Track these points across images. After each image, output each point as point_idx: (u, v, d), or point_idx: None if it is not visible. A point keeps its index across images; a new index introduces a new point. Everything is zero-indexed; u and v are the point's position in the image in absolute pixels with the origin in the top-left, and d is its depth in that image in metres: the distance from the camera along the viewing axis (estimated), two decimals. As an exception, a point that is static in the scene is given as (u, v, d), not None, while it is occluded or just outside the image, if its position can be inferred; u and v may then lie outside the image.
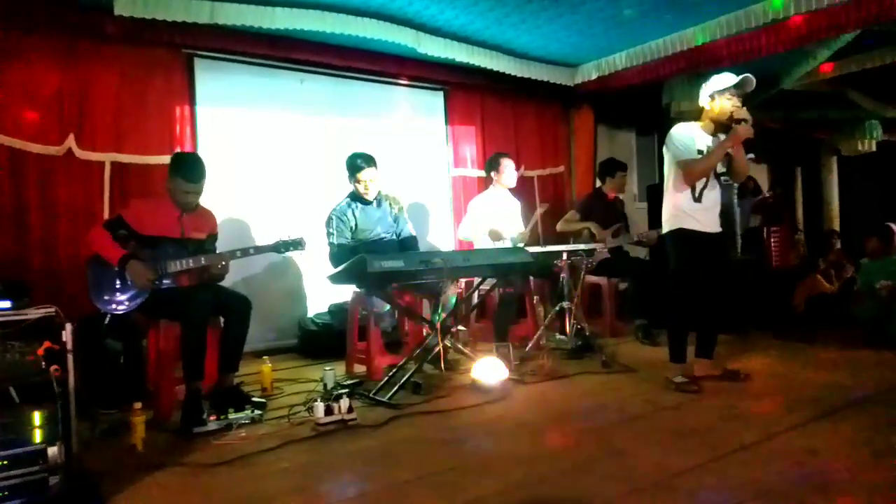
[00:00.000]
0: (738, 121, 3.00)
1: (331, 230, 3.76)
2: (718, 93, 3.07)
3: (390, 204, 3.98)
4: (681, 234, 3.11)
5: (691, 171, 3.05)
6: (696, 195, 3.09)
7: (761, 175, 8.65)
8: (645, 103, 6.27)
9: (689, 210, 3.09)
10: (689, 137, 3.10)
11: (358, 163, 3.77)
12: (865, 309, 4.33)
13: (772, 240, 5.16)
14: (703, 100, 3.15)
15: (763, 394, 2.96)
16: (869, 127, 7.68)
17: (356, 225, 3.79)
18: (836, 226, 8.33)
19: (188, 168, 3.06)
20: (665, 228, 3.20)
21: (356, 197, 3.85)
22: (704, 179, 3.09)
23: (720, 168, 3.15)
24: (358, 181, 3.78)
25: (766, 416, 2.59)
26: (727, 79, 3.06)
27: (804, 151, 8.73)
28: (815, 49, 5.18)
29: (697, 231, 3.09)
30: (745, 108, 3.03)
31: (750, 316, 4.61)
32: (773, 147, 8.27)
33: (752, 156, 3.10)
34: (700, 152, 3.07)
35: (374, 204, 3.88)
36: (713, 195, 3.14)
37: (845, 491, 1.86)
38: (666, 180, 3.19)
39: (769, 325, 4.61)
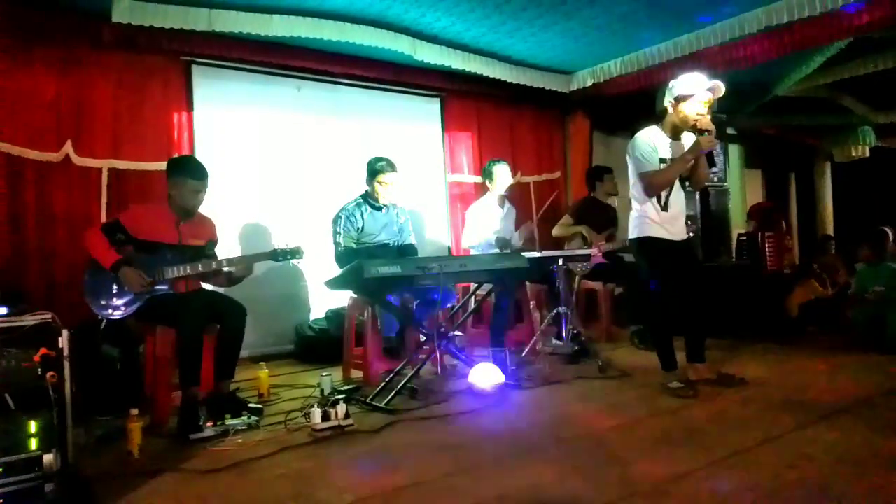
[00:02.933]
0: (701, 132, 2.93)
1: (338, 229, 3.78)
2: (682, 98, 2.99)
3: (398, 213, 4.00)
4: (647, 242, 3.10)
5: (652, 184, 3.03)
6: (663, 203, 3.08)
7: (755, 181, 8.71)
8: (640, 109, 6.31)
9: (657, 218, 3.08)
10: (652, 146, 3.05)
11: (383, 164, 3.82)
12: (860, 313, 4.36)
13: (766, 244, 5.18)
14: (666, 102, 3.07)
15: (758, 398, 2.96)
16: (862, 133, 7.75)
17: (362, 227, 3.81)
18: (831, 231, 8.37)
19: (193, 167, 3.11)
20: (631, 235, 3.19)
21: (367, 199, 3.87)
22: (668, 187, 3.07)
23: (683, 173, 3.12)
24: (380, 182, 3.80)
25: (761, 421, 2.60)
26: (693, 83, 2.98)
27: (798, 157, 8.79)
28: (809, 55, 5.23)
29: (664, 239, 3.08)
30: (708, 118, 2.97)
31: (744, 320, 4.62)
32: (768, 153, 8.33)
33: (715, 169, 3.08)
34: (663, 160, 3.04)
35: (384, 210, 3.90)
36: (679, 202, 3.12)
37: (842, 496, 1.87)
38: (632, 186, 3.18)
39: (764, 329, 4.62)
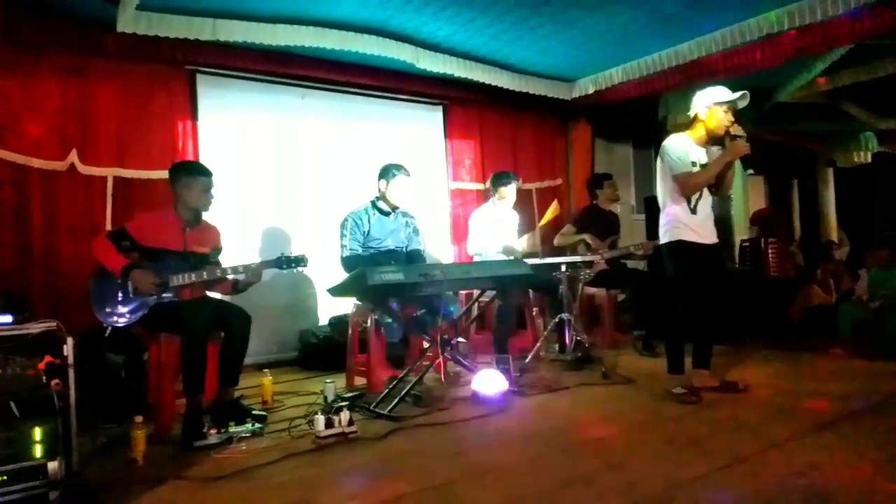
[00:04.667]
0: (734, 137, 3.06)
1: (344, 232, 3.80)
2: (717, 105, 3.11)
3: (407, 221, 4.01)
4: (679, 246, 3.13)
5: (688, 185, 3.09)
6: (692, 207, 3.13)
7: (758, 187, 8.72)
8: (642, 116, 6.33)
9: (688, 222, 3.13)
10: (684, 150, 3.13)
11: (399, 170, 3.85)
12: (846, 318, 4.34)
13: (769, 250, 5.18)
14: (700, 110, 3.16)
15: (761, 405, 2.96)
16: (864, 138, 7.75)
17: (369, 231, 3.82)
18: (834, 237, 8.36)
19: (199, 166, 3.21)
20: (663, 240, 3.22)
21: (376, 205, 3.89)
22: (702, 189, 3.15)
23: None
24: (395, 185, 3.82)
25: (765, 428, 2.59)
26: (725, 93, 3.10)
27: (800, 163, 8.79)
28: (810, 62, 5.25)
29: (695, 242, 3.12)
30: (737, 125, 3.09)
31: (747, 326, 4.61)
32: (770, 159, 8.33)
33: (751, 171, 3.17)
34: (693, 164, 3.11)
35: (392, 216, 3.92)
36: (706, 206, 3.19)
37: (847, 503, 1.86)
38: (661, 192, 3.22)
39: (766, 335, 4.61)
